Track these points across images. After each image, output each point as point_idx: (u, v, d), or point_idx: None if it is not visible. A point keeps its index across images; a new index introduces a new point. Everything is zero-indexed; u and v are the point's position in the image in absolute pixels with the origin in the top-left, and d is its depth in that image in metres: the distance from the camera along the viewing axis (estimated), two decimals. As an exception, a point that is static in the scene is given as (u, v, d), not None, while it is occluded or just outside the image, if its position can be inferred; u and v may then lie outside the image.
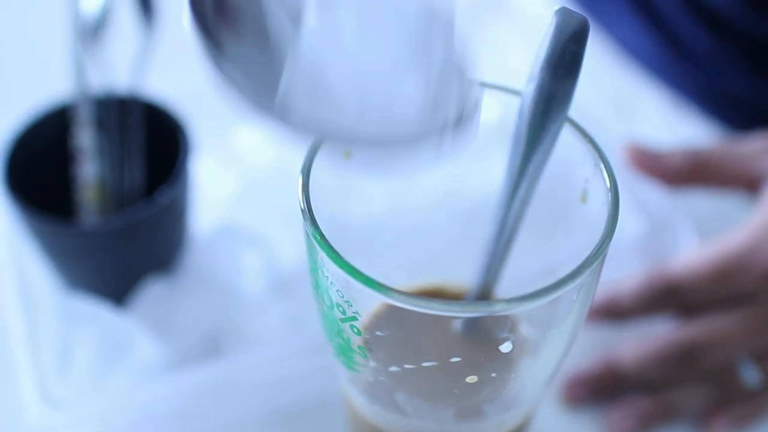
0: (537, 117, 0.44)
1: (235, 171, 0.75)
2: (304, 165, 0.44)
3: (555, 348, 0.45)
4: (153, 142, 0.67)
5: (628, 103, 0.85)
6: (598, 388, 0.64)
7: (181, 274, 0.66)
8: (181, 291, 0.65)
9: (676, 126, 0.83)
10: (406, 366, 0.43)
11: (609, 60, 0.87)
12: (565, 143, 0.46)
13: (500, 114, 0.47)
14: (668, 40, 0.83)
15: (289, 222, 0.71)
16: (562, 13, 0.42)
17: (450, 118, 0.38)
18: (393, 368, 0.43)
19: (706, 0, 0.78)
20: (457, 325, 0.45)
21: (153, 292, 0.64)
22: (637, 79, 0.86)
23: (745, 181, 0.67)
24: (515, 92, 0.46)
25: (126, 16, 0.65)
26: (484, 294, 0.48)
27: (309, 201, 0.43)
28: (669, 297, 0.64)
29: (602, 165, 0.44)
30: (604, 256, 0.42)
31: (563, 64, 0.42)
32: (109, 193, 0.66)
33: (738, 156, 0.68)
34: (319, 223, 0.42)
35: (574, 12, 0.42)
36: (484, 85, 0.46)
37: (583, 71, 0.87)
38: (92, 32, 0.64)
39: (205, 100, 0.72)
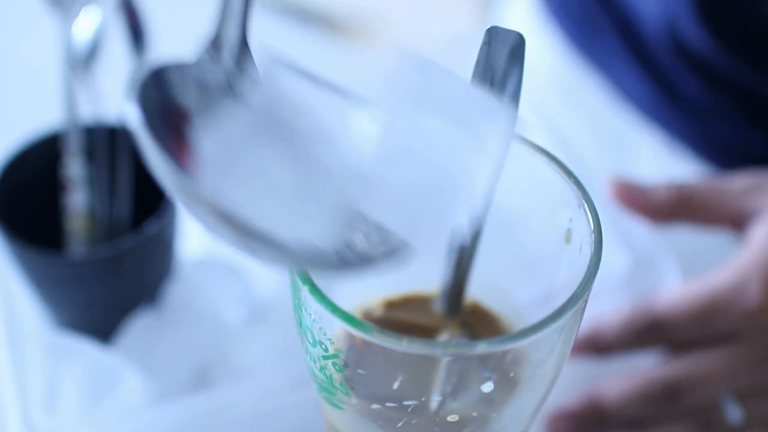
0: None
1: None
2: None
3: (537, 387, 0.45)
4: (140, 171, 0.67)
5: (622, 144, 0.85)
6: (581, 425, 0.64)
7: (165, 306, 0.66)
8: (166, 324, 0.65)
9: (670, 169, 0.83)
10: (388, 404, 0.43)
11: (603, 101, 0.88)
12: (550, 182, 0.47)
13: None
14: (662, 86, 0.84)
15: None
16: (496, 30, 0.42)
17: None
18: (375, 406, 0.44)
19: (692, 47, 0.79)
20: (439, 364, 0.45)
21: (138, 327, 0.64)
22: (631, 121, 0.86)
23: (730, 219, 0.68)
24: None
25: (117, 45, 0.65)
26: (455, 295, 0.49)
27: (293, 238, 0.43)
28: (653, 333, 0.64)
29: (586, 205, 0.45)
30: (587, 297, 0.43)
31: (498, 77, 0.43)
32: (97, 222, 0.66)
33: (723, 193, 0.68)
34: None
35: (508, 29, 0.43)
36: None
37: (578, 111, 0.87)
38: (83, 61, 0.64)
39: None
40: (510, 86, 0.44)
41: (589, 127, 0.84)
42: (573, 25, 0.89)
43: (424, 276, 0.52)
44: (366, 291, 0.52)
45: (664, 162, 0.84)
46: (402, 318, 0.51)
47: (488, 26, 0.43)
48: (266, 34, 0.99)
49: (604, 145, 0.84)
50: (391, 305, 0.52)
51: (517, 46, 0.43)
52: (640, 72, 0.84)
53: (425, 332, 0.50)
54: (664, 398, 0.63)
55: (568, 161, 0.47)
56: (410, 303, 0.52)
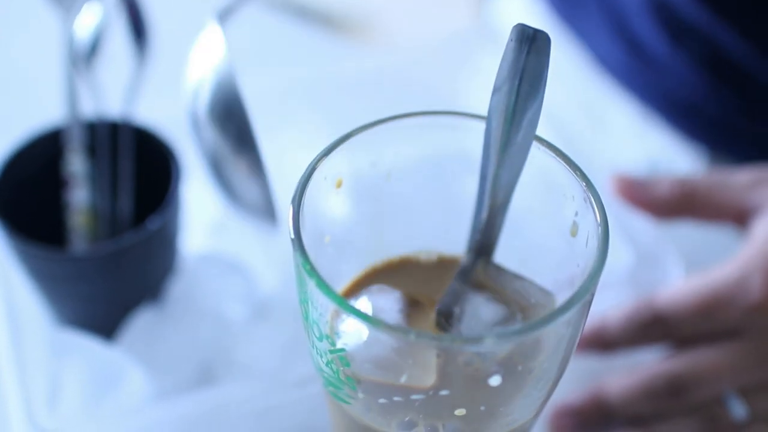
0: (505, 128, 0.44)
1: (215, 196, 0.75)
2: (294, 195, 0.44)
3: (544, 381, 0.45)
4: (143, 167, 0.67)
5: (600, 117, 0.86)
6: (585, 420, 0.64)
7: (168, 302, 0.66)
8: (169, 320, 0.65)
9: (645, 140, 0.84)
10: (395, 398, 0.43)
11: (583, 71, 0.88)
12: (556, 176, 0.47)
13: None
14: (632, 47, 0.84)
15: (271, 247, 0.71)
16: (522, 28, 0.43)
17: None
18: (381, 400, 0.43)
19: (667, 1, 0.79)
20: (446, 358, 0.45)
21: (141, 323, 0.64)
22: (608, 89, 0.87)
23: (733, 214, 0.67)
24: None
25: (118, 42, 0.65)
26: (480, 264, 0.48)
27: (299, 231, 0.43)
28: (656, 328, 0.64)
29: (592, 198, 0.45)
30: (594, 290, 0.43)
31: (526, 76, 0.43)
32: (99, 218, 0.66)
33: (726, 188, 0.68)
34: (308, 254, 0.42)
35: (534, 27, 0.43)
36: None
37: (558, 82, 0.87)
38: (85, 58, 0.64)
39: (184, 125, 0.73)
40: (536, 83, 0.44)
41: (568, 98, 0.85)
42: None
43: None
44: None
45: (638, 129, 0.84)
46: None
47: (515, 23, 0.44)
48: (266, 32, 0.99)
49: (582, 115, 0.85)
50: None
51: (542, 44, 0.43)
52: (612, 34, 0.85)
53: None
54: (668, 394, 0.63)
55: (557, 142, 0.47)
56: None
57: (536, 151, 0.47)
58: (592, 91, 0.87)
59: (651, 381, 0.63)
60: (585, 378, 0.67)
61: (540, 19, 0.92)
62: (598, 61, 0.88)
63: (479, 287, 0.48)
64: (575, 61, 0.89)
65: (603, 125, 0.85)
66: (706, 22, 0.79)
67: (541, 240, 0.49)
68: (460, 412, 0.43)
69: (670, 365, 0.64)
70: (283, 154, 0.77)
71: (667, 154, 0.84)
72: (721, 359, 0.63)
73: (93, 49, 0.64)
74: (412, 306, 0.48)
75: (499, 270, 0.48)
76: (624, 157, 0.82)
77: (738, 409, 0.64)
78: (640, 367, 0.65)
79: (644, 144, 0.84)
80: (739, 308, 0.63)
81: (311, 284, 0.41)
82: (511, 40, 0.43)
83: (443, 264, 0.51)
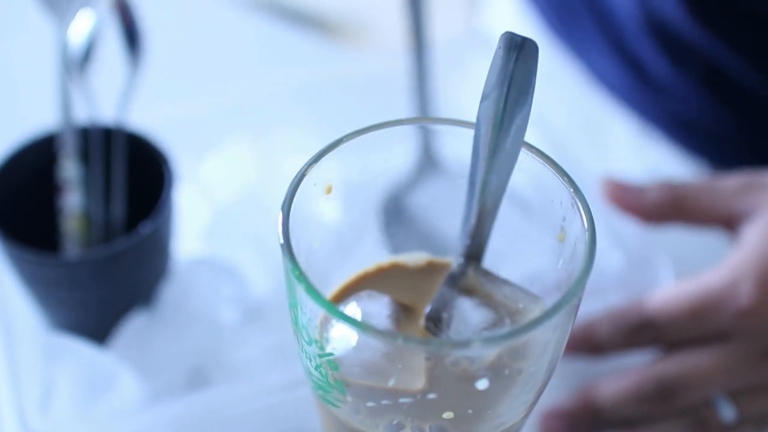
0: (494, 135, 0.45)
1: (207, 201, 0.76)
2: (284, 201, 0.45)
3: (531, 384, 0.45)
4: (136, 172, 0.67)
5: (599, 131, 0.86)
6: (575, 423, 0.64)
7: (160, 307, 0.66)
8: (161, 324, 0.65)
9: (644, 153, 0.84)
10: (383, 402, 0.43)
11: (582, 88, 0.89)
12: (544, 182, 0.47)
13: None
14: (632, 66, 0.85)
15: (262, 251, 0.71)
16: (510, 36, 0.43)
17: None
18: (370, 404, 0.44)
19: (665, 21, 0.80)
20: (434, 362, 0.45)
21: (133, 327, 0.65)
22: (607, 106, 0.87)
23: (723, 219, 0.68)
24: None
25: (112, 48, 0.66)
26: (470, 268, 0.49)
27: (288, 237, 0.43)
28: (645, 332, 0.65)
29: (580, 205, 0.45)
30: (581, 295, 0.43)
31: (515, 83, 0.44)
32: (93, 223, 0.66)
33: (716, 193, 0.68)
34: (297, 260, 0.42)
35: (522, 36, 0.43)
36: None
37: (558, 100, 0.88)
38: (79, 64, 0.65)
39: (176, 130, 0.73)
40: (524, 90, 0.44)
41: (566, 112, 0.85)
42: (551, 12, 0.91)
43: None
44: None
45: (638, 146, 0.85)
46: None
47: (503, 31, 0.44)
48: (260, 36, 1.00)
49: (581, 132, 0.85)
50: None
51: (530, 52, 0.43)
52: (612, 54, 0.86)
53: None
54: (658, 397, 0.63)
55: (549, 151, 0.47)
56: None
57: (524, 157, 0.47)
58: (590, 105, 0.88)
59: (641, 384, 0.64)
60: (575, 381, 0.67)
61: (535, 29, 0.93)
62: (596, 77, 0.89)
63: (468, 292, 0.48)
64: (572, 76, 0.89)
65: (601, 139, 0.86)
66: (704, 41, 0.79)
67: (530, 245, 0.49)
68: (447, 415, 0.43)
69: (660, 368, 0.64)
70: (274, 157, 0.77)
71: (666, 168, 0.85)
72: (710, 363, 0.64)
73: (87, 55, 0.65)
74: (402, 311, 0.48)
75: (488, 275, 0.49)
76: (622, 171, 0.82)
77: (727, 412, 0.64)
78: (629, 371, 0.65)
79: (643, 158, 0.84)
80: (728, 313, 0.63)
81: (300, 289, 0.42)
82: (500, 47, 0.44)
83: (432, 269, 0.51)
